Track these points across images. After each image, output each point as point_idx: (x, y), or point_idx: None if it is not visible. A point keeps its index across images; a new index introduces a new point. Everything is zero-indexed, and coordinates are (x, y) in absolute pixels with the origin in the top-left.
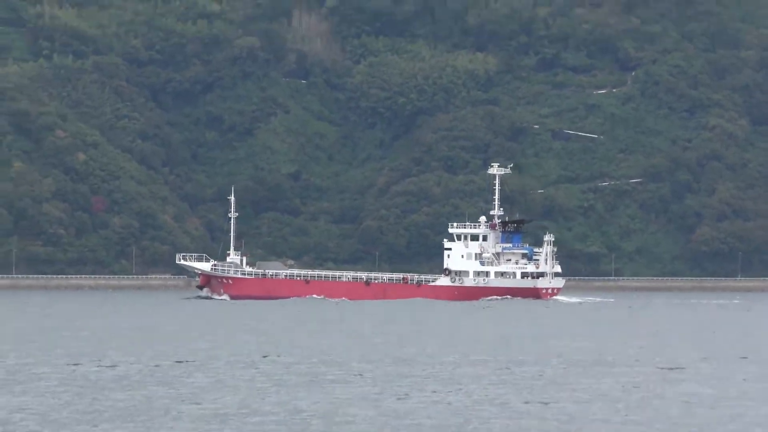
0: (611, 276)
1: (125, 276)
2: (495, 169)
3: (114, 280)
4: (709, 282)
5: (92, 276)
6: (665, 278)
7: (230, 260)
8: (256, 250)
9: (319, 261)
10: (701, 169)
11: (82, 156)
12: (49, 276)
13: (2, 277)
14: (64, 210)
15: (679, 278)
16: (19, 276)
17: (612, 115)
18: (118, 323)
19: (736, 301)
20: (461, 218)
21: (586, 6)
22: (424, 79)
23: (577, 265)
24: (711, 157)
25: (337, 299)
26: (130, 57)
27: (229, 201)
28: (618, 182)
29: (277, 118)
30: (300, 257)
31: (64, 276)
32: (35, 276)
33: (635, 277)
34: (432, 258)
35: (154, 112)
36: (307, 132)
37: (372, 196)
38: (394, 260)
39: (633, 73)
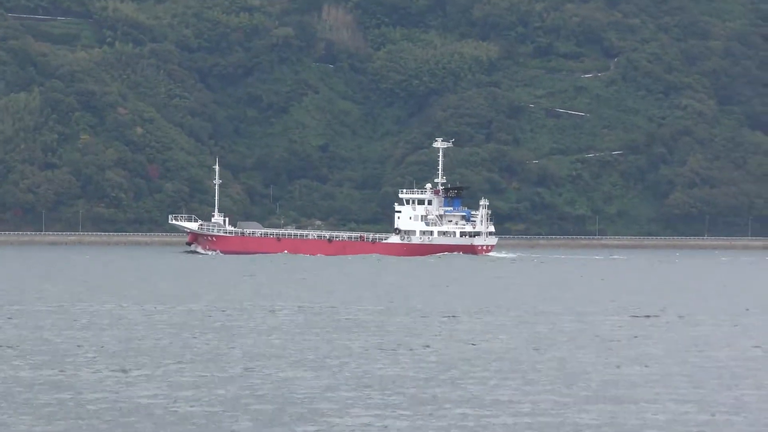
0: (596, 235)
1: (175, 233)
2: (439, 143)
3: (167, 237)
4: (679, 241)
5: (148, 234)
6: (642, 237)
7: (214, 221)
8: (290, 212)
9: (343, 222)
10: (674, 143)
11: (140, 130)
12: (111, 233)
13: (71, 234)
14: (124, 176)
15: (654, 237)
16: (85, 233)
17: (597, 96)
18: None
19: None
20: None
21: (576, 1)
22: (435, 64)
23: (566, 225)
24: (683, 132)
25: (304, 254)
26: (182, 44)
27: (267, 169)
28: (602, 154)
29: (308, 97)
30: (327, 219)
31: (123, 233)
32: (99, 233)
33: (616, 237)
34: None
35: (202, 92)
36: (334, 110)
37: (390, 166)
38: None
39: (615, 60)
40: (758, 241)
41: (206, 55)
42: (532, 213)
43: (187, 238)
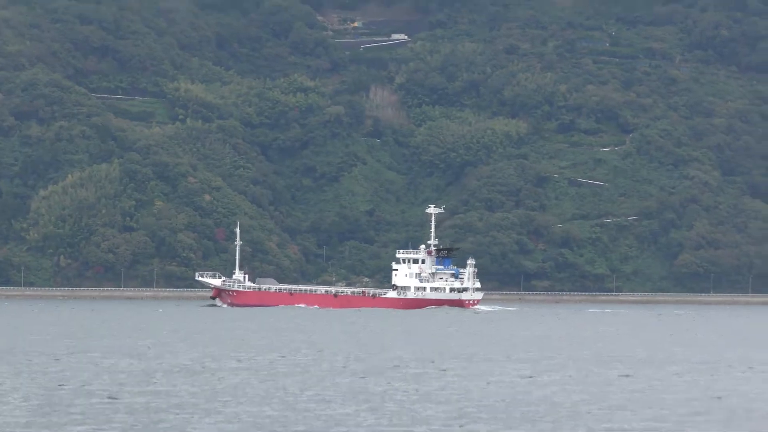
0: (613, 292)
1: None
2: (432, 209)
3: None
4: (687, 297)
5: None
6: (654, 294)
7: (235, 277)
8: (341, 270)
9: (389, 279)
10: (683, 209)
11: (208, 197)
12: (182, 289)
13: (146, 290)
14: (193, 238)
15: (665, 294)
16: (159, 289)
17: (614, 167)
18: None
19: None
20: (500, 247)
21: (595, 83)
22: (470, 139)
23: (587, 283)
24: (690, 200)
25: (312, 306)
26: (245, 121)
27: (320, 231)
28: (619, 219)
29: (357, 168)
30: (374, 276)
31: (193, 289)
32: (171, 289)
33: (631, 293)
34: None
35: (263, 163)
36: (380, 179)
37: (429, 229)
38: None
39: (630, 135)
40: (758, 298)
41: (267, 131)
42: (556, 271)
43: (211, 293)
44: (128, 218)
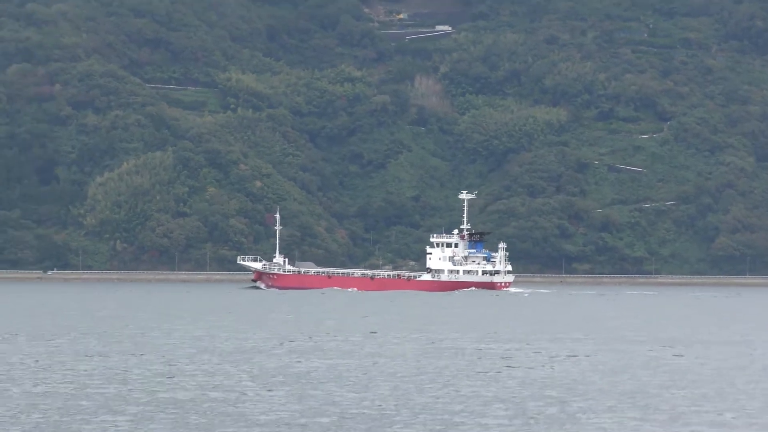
0: (652, 274)
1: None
2: (464, 195)
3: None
4: (724, 279)
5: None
6: (692, 276)
7: (275, 261)
8: (387, 254)
9: None
10: (719, 194)
11: (258, 183)
12: (234, 272)
13: (199, 273)
14: (245, 223)
15: (703, 276)
16: (212, 272)
17: (652, 154)
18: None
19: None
20: (541, 231)
21: (633, 72)
22: (512, 127)
23: (626, 265)
24: (726, 185)
25: (350, 289)
26: (294, 110)
27: (367, 216)
28: (657, 204)
29: (403, 155)
30: (419, 259)
31: (243, 272)
32: (223, 272)
33: (669, 275)
34: (516, 258)
35: (312, 150)
36: (425, 166)
37: (473, 214)
38: None
39: (668, 123)
40: None
41: (315, 119)
42: (596, 255)
43: (252, 276)
44: (182, 204)
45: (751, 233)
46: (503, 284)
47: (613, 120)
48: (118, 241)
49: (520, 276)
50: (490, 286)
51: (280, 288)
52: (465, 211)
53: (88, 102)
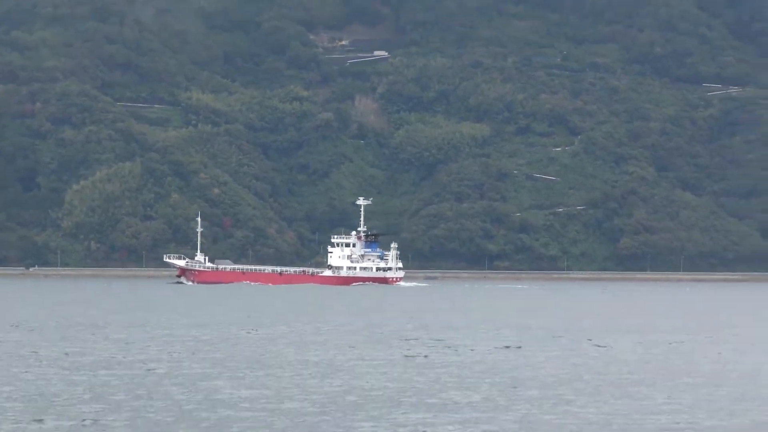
0: (564, 270)
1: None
2: (361, 201)
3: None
4: (627, 275)
5: None
6: (600, 272)
7: (197, 259)
8: None
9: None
10: (623, 200)
11: (216, 191)
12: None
13: (165, 269)
14: (204, 226)
15: (609, 272)
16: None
17: (565, 165)
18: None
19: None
20: (467, 233)
21: (548, 92)
22: (441, 140)
23: (542, 263)
24: (630, 192)
25: (260, 283)
26: (248, 125)
27: (313, 220)
28: (569, 209)
29: (345, 165)
30: None
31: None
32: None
33: (579, 272)
34: (445, 257)
35: (264, 162)
36: (364, 175)
37: (406, 218)
38: (421, 259)
39: (579, 137)
40: (688, 275)
41: (267, 134)
42: (515, 253)
43: (177, 272)
44: (148, 209)
45: (651, 234)
46: (394, 279)
47: (530, 134)
48: (93, 242)
49: (446, 272)
50: (383, 280)
51: (200, 282)
52: (362, 215)
53: (65, 118)
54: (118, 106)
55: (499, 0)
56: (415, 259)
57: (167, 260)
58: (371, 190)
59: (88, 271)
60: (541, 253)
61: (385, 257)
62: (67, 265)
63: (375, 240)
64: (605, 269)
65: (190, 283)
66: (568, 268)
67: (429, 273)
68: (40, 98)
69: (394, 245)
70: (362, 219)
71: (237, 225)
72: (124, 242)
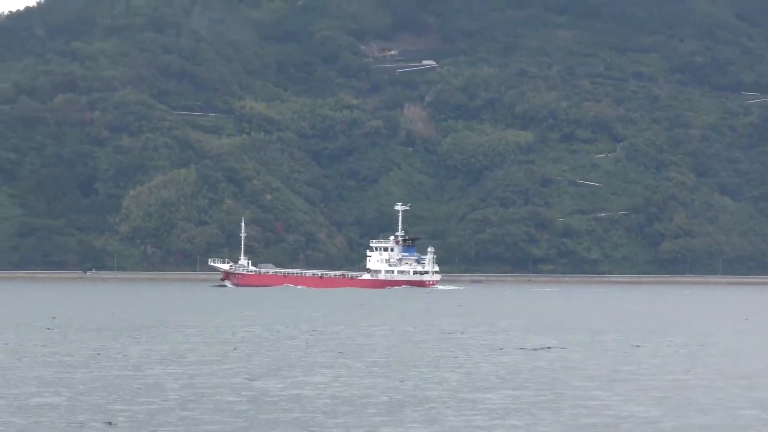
0: (606, 274)
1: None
2: (399, 207)
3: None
4: (668, 278)
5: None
6: (641, 275)
7: (240, 263)
8: None
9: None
10: (664, 205)
11: (269, 197)
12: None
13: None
14: (257, 231)
15: (649, 275)
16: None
17: (607, 171)
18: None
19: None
20: (512, 237)
21: (591, 100)
22: (488, 147)
23: (584, 266)
24: (670, 197)
25: (301, 286)
26: (300, 133)
27: (363, 224)
28: (611, 214)
29: (393, 172)
30: None
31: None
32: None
33: (621, 275)
34: (490, 261)
35: (315, 168)
36: (412, 181)
37: (454, 222)
38: (467, 263)
39: (621, 144)
40: (727, 279)
41: (318, 141)
42: (559, 257)
43: (221, 276)
44: (203, 214)
45: (691, 238)
46: (431, 282)
47: (573, 141)
48: (149, 246)
49: (491, 276)
50: (420, 284)
51: (243, 286)
52: (400, 220)
53: (123, 126)
54: (174, 114)
55: (544, 10)
56: (462, 262)
57: (212, 264)
58: (419, 196)
59: (144, 274)
60: (584, 256)
61: (422, 261)
62: (123, 268)
63: (413, 244)
64: (646, 272)
65: (233, 286)
66: (610, 272)
67: (474, 276)
68: (98, 107)
69: (430, 249)
70: (400, 223)
71: (288, 230)
72: (179, 246)
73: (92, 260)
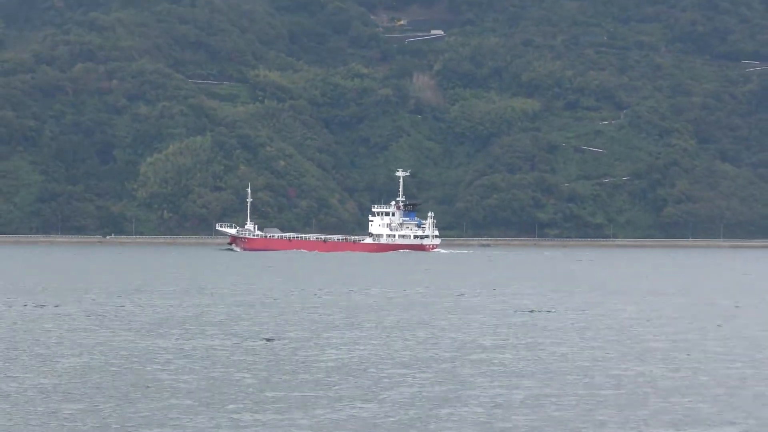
0: (610, 238)
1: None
2: (400, 173)
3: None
4: (670, 242)
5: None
6: (644, 239)
7: (247, 227)
8: None
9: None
10: (666, 171)
11: (282, 163)
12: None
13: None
14: (270, 196)
15: (652, 239)
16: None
17: (611, 137)
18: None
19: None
20: (519, 202)
21: (595, 69)
22: (495, 115)
23: (589, 230)
24: (672, 163)
25: (307, 251)
26: (312, 101)
27: (373, 190)
28: (615, 179)
29: (403, 139)
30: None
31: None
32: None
33: (625, 239)
34: (497, 225)
35: (327, 135)
36: (421, 147)
37: (462, 188)
38: (475, 227)
39: (624, 111)
40: (727, 242)
41: (329, 109)
42: (564, 222)
43: (228, 240)
44: (218, 180)
45: (693, 203)
46: (431, 246)
47: (578, 109)
48: (165, 211)
49: (498, 239)
50: (420, 248)
51: (249, 250)
52: (400, 186)
53: (140, 95)
54: (190, 83)
55: None
56: (470, 227)
57: (219, 229)
58: (428, 162)
59: (161, 239)
60: (589, 221)
61: (422, 225)
62: (141, 233)
63: (413, 209)
64: (649, 236)
65: (239, 250)
66: (614, 236)
67: (482, 240)
68: (116, 76)
69: (430, 214)
70: (401, 189)
71: (301, 195)
72: (195, 212)
73: (111, 225)
